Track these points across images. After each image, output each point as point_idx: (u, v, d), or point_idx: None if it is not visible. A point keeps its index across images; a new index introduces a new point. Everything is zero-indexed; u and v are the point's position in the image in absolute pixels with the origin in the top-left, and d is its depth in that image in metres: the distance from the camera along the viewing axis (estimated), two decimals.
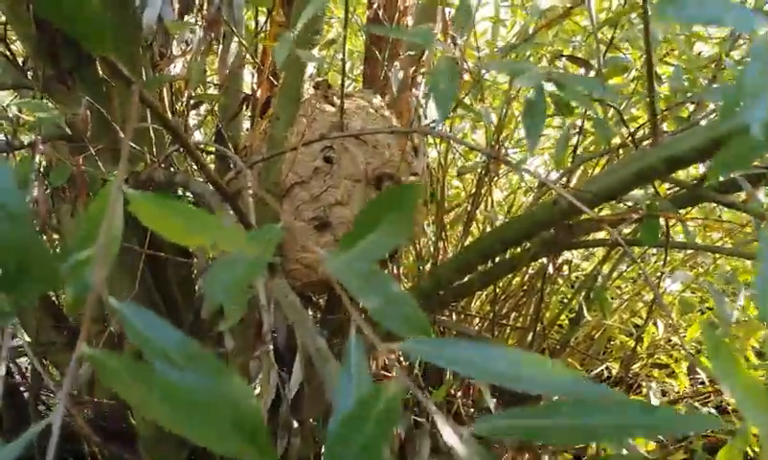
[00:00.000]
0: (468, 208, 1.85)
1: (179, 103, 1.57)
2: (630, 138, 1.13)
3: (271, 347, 1.03)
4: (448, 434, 0.33)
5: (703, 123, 1.25)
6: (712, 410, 1.60)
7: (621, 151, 1.45)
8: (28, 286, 0.44)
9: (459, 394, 1.80)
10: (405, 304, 0.46)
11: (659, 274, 1.41)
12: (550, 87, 0.96)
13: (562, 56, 1.15)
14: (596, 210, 1.15)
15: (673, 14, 0.56)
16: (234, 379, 0.43)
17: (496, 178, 1.95)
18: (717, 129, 0.80)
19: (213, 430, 0.35)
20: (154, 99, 1.48)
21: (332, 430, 0.35)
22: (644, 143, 1.48)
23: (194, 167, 1.59)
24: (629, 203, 1.14)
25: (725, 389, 0.42)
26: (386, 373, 1.72)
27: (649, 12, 0.83)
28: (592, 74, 1.16)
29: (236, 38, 1.42)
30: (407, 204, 0.44)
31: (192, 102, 1.58)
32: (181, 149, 1.33)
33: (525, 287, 1.96)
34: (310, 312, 1.68)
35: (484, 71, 1.35)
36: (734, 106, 0.55)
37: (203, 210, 0.42)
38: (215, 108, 1.67)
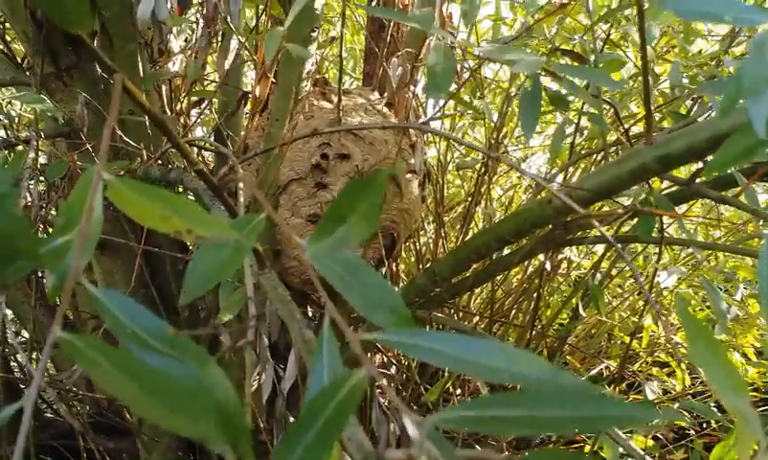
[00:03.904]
0: (467, 206, 1.85)
1: (178, 101, 1.57)
2: (625, 134, 1.12)
3: (266, 340, 1.04)
4: (409, 423, 0.33)
5: (701, 120, 1.24)
6: (713, 407, 1.60)
7: (618, 148, 1.44)
8: (14, 264, 0.45)
9: (457, 392, 1.80)
10: (387, 295, 0.46)
11: (656, 270, 1.40)
12: (550, 84, 0.97)
13: (557, 49, 1.15)
14: (592, 207, 1.15)
15: (672, 9, 0.56)
16: (212, 365, 0.43)
17: (495, 176, 1.94)
18: (712, 128, 0.79)
19: (186, 414, 0.35)
20: (153, 94, 1.49)
21: (301, 414, 0.36)
22: (642, 139, 1.48)
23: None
24: (625, 200, 1.14)
25: (702, 371, 0.41)
26: (384, 370, 1.72)
27: (644, 6, 0.83)
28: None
29: (235, 35, 1.42)
30: (375, 192, 0.44)
31: (191, 99, 1.59)
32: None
33: (524, 285, 1.96)
34: (309, 309, 1.68)
35: (485, 65, 1.35)
36: (734, 103, 0.55)
37: (181, 196, 0.42)
38: (215, 105, 1.67)
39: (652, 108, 0.87)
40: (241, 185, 0.87)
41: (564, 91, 0.97)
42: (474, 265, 1.31)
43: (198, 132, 2.06)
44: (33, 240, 0.39)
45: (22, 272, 0.41)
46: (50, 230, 1.49)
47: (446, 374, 1.63)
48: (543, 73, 0.90)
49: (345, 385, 0.35)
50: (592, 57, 1.15)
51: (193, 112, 1.70)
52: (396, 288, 1.57)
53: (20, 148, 1.23)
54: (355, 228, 0.45)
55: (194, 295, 0.48)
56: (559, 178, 1.56)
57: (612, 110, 1.21)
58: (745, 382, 0.41)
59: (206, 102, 1.67)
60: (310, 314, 1.69)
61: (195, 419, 0.35)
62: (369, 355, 1.69)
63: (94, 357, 0.36)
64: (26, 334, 1.73)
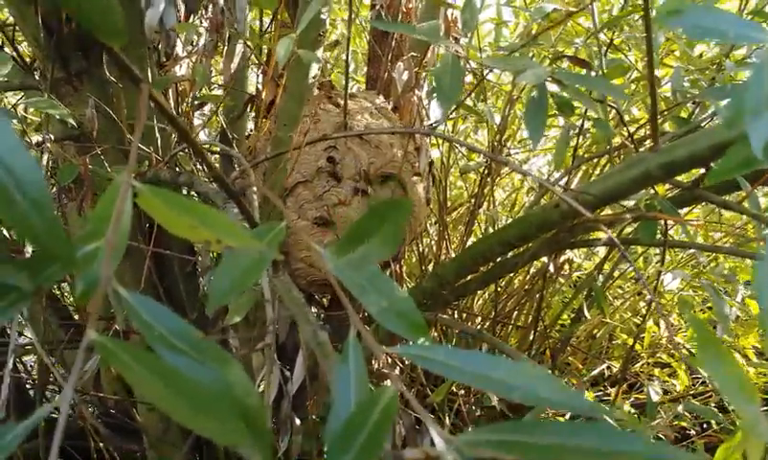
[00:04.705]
0: (471, 208, 1.86)
1: (184, 104, 1.58)
2: (630, 139, 1.14)
3: (273, 342, 1.05)
4: (438, 439, 0.34)
5: (703, 125, 1.26)
6: (713, 408, 1.61)
7: (621, 152, 1.46)
8: (51, 268, 0.46)
9: (461, 392, 1.81)
10: (404, 305, 0.47)
11: (659, 272, 1.42)
12: (553, 88, 0.98)
13: (564, 56, 1.16)
14: (596, 211, 1.16)
15: (678, 25, 0.57)
16: (235, 368, 0.44)
17: (498, 178, 1.96)
18: (714, 137, 0.81)
19: (212, 418, 0.36)
20: (159, 97, 1.50)
21: (334, 432, 0.37)
22: (646, 142, 1.50)
23: (199, 167, 1.60)
24: (629, 203, 1.15)
25: (712, 379, 0.43)
26: (388, 371, 1.73)
27: (651, 14, 0.84)
28: (593, 75, 1.17)
29: (241, 40, 1.43)
30: (399, 217, 0.46)
31: (196, 102, 1.60)
32: (186, 150, 1.35)
33: (527, 287, 1.97)
34: (314, 310, 1.69)
35: (487, 70, 1.36)
36: (738, 120, 0.56)
37: (206, 206, 0.44)
38: (220, 109, 1.69)
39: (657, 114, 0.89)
40: (254, 188, 0.88)
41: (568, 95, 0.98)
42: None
43: (202, 135, 2.07)
44: (71, 245, 0.40)
45: (57, 277, 0.43)
46: None
47: None
48: (549, 80, 0.91)
49: (376, 407, 0.36)
50: (596, 63, 1.16)
51: (197, 114, 1.71)
52: None
53: (31, 151, 1.24)
54: (376, 248, 0.46)
55: (219, 304, 0.49)
56: (563, 182, 1.58)
57: (616, 114, 1.22)
58: (756, 389, 0.42)
59: (209, 105, 1.68)
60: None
61: (224, 422, 0.37)
62: (372, 357, 1.70)
63: (127, 361, 0.37)
64: (28, 335, 1.74)
